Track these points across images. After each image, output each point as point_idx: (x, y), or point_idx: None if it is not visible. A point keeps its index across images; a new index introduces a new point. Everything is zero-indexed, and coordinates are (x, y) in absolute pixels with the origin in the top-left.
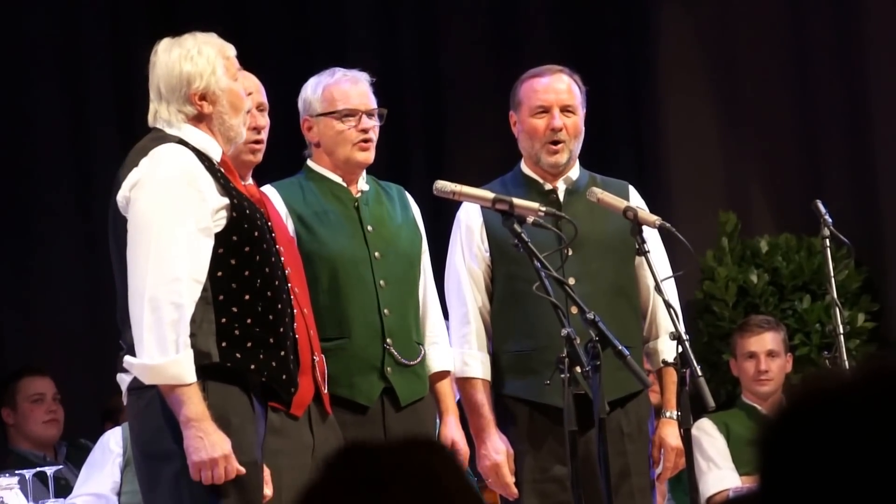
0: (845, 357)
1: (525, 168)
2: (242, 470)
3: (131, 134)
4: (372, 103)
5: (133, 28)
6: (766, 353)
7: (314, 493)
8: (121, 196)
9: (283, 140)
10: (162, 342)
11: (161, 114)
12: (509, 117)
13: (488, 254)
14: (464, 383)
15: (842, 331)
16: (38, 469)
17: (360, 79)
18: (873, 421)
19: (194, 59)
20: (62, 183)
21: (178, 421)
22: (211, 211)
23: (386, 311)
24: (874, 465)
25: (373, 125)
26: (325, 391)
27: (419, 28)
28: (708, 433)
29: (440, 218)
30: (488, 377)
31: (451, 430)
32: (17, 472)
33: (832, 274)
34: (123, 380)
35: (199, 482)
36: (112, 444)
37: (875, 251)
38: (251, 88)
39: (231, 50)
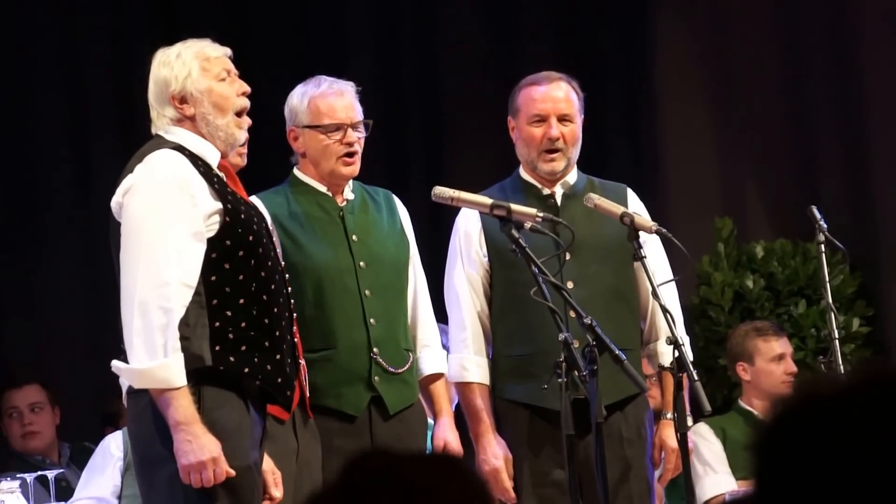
0: (840, 362)
1: (523, 173)
2: (232, 473)
3: (132, 139)
4: (357, 115)
5: (134, 35)
6: (790, 355)
7: (330, 494)
8: (114, 202)
9: (281, 147)
10: (150, 346)
11: (155, 120)
12: (507, 122)
13: (487, 259)
14: (462, 388)
15: (837, 336)
16: (40, 472)
17: (345, 91)
18: (868, 426)
19: (171, 63)
20: (63, 188)
21: (168, 424)
22: (203, 216)
23: (372, 320)
24: (869, 469)
25: (358, 138)
26: (308, 394)
27: (418, 35)
28: (705, 438)
29: (439, 224)
30: (487, 381)
31: (445, 432)
32: (18, 475)
33: (827, 279)
34: (122, 383)
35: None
36: (113, 448)
37: (870, 256)
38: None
39: (214, 51)
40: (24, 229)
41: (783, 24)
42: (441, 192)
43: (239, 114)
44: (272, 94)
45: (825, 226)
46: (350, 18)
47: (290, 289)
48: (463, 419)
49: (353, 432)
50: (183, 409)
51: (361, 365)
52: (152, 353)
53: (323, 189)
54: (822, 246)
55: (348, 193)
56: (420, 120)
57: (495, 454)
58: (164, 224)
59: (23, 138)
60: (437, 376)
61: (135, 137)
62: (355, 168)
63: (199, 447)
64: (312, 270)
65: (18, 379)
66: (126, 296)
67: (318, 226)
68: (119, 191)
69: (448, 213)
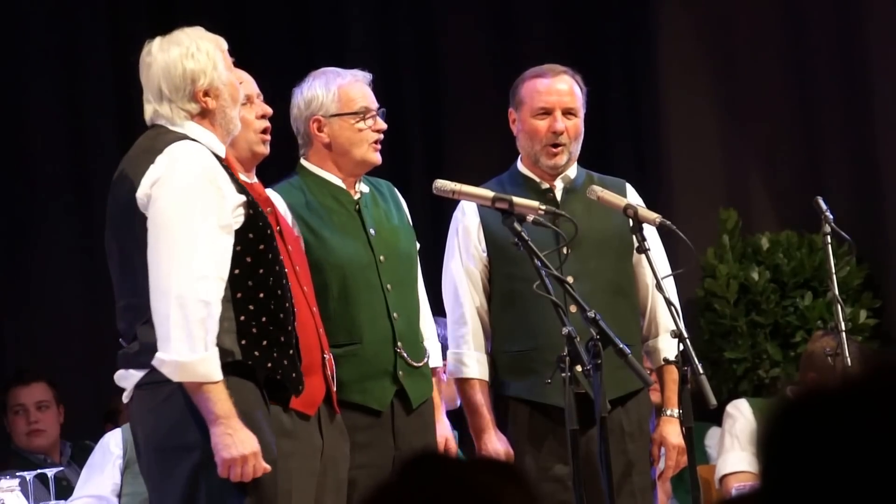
0: (847, 354)
1: (522, 167)
2: (268, 468)
3: (130, 135)
4: (376, 102)
5: (132, 26)
6: None
7: (388, 495)
8: (141, 193)
9: (280, 138)
10: (191, 340)
11: (162, 112)
12: (508, 114)
13: (486, 254)
14: (462, 384)
15: (844, 328)
16: (40, 470)
17: (367, 79)
18: (876, 419)
19: (195, 55)
20: (60, 184)
21: (205, 418)
22: (231, 208)
23: (395, 314)
24: (877, 463)
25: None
26: (334, 389)
27: (418, 26)
28: (743, 414)
29: (440, 217)
30: (486, 377)
31: (446, 430)
32: (18, 473)
33: (833, 271)
34: (128, 376)
35: (216, 478)
36: (112, 446)
37: (876, 247)
38: (242, 79)
39: (224, 43)
40: (22, 225)
41: (787, 12)
42: (442, 185)
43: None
44: (269, 83)
45: (831, 217)
46: (348, 8)
47: (291, 283)
48: (463, 415)
49: (377, 426)
50: (222, 402)
51: (387, 359)
52: (193, 347)
53: (337, 181)
54: (828, 237)
55: (361, 186)
56: (420, 113)
57: (496, 450)
58: (197, 216)
59: (19, 133)
60: (435, 370)
61: (134, 132)
62: (379, 156)
63: (241, 441)
64: (336, 266)
65: (26, 376)
66: (160, 289)
67: (336, 220)
68: (144, 182)
69: (449, 207)
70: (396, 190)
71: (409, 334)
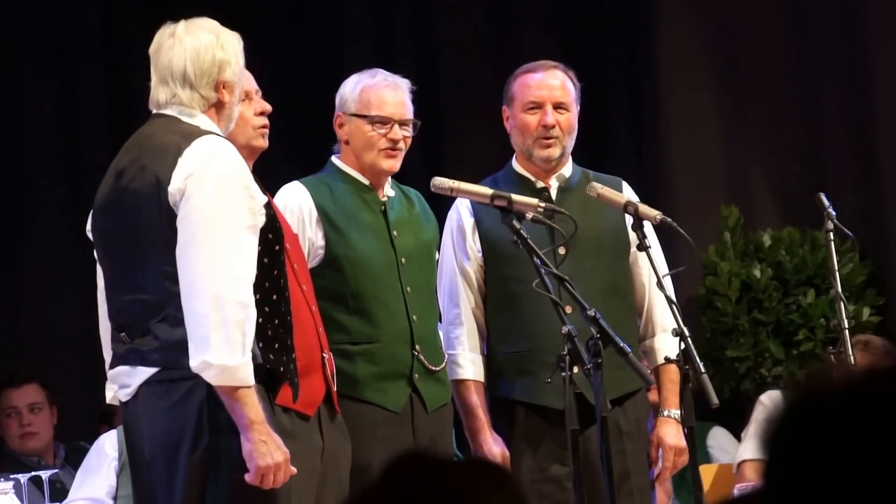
0: (850, 352)
1: (517, 165)
2: (295, 471)
3: (123, 133)
4: (408, 113)
5: (124, 20)
6: None
7: (373, 496)
8: (173, 188)
9: (275, 134)
10: (230, 343)
11: (182, 97)
12: (502, 112)
13: (481, 254)
14: (457, 385)
15: (847, 326)
16: (34, 473)
17: (400, 86)
18: (880, 420)
19: (225, 47)
20: (53, 181)
21: (238, 422)
22: (258, 207)
23: (414, 317)
24: (879, 464)
25: (404, 136)
26: (334, 389)
27: (415, 21)
28: (775, 403)
29: (437, 216)
30: (481, 378)
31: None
32: (12, 476)
33: (836, 268)
34: (134, 373)
35: (224, 477)
36: (107, 448)
37: (880, 244)
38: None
39: (241, 40)
40: (15, 224)
41: (789, 7)
42: (440, 182)
43: None
44: (262, 78)
45: (834, 213)
46: (346, 5)
47: (290, 281)
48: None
49: (397, 422)
50: (257, 408)
51: (404, 362)
52: (232, 350)
53: (365, 182)
54: (831, 234)
55: (388, 190)
56: (417, 110)
57: (492, 451)
58: (233, 216)
59: (11, 132)
60: None
61: (127, 131)
62: (396, 164)
63: (275, 447)
64: (357, 263)
65: (17, 378)
66: (197, 288)
67: (360, 218)
68: (176, 176)
69: (447, 205)
70: (423, 199)
71: (427, 338)
